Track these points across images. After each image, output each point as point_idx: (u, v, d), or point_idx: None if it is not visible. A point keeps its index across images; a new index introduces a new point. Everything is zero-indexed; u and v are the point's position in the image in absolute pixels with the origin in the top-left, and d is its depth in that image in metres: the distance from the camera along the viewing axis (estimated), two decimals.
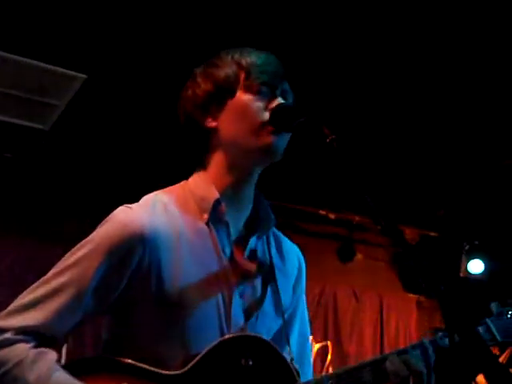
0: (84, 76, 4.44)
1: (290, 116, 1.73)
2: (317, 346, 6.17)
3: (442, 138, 5.26)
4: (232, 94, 1.78)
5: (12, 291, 1.75)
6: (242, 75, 1.79)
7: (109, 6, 3.87)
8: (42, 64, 4.32)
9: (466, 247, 6.70)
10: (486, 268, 6.65)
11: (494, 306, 1.93)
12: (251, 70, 1.78)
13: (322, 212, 6.53)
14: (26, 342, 1.62)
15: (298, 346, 1.94)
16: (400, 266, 7.04)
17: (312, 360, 2.01)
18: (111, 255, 1.66)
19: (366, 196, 1.55)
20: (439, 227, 6.87)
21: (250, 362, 1.68)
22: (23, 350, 1.61)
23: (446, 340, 1.78)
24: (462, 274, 6.69)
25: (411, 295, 7.03)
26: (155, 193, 1.82)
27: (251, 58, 1.81)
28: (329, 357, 6.28)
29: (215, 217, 1.78)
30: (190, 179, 1.87)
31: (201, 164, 1.86)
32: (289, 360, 1.77)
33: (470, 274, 6.69)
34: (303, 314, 2.00)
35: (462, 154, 5.49)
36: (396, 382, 1.69)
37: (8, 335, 1.62)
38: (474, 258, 6.69)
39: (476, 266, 6.67)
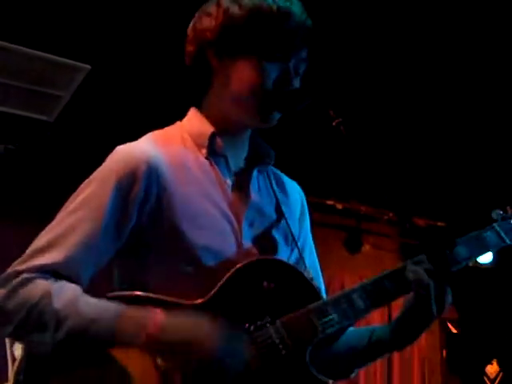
0: (88, 67, 4.42)
1: (296, 99, 1.70)
2: None
3: (450, 126, 5.23)
4: (247, 49, 1.71)
5: None
6: (264, 29, 1.69)
7: None
8: (46, 55, 4.30)
9: None
10: (494, 257, 6.62)
11: (495, 214, 1.93)
12: (276, 26, 1.69)
13: (329, 202, 6.51)
14: (46, 278, 1.56)
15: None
16: (408, 257, 7.02)
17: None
18: (119, 186, 1.63)
19: (374, 182, 1.53)
20: (447, 217, 6.84)
21: (272, 285, 1.66)
22: (45, 284, 1.55)
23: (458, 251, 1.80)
24: (470, 264, 6.66)
25: None
26: (150, 133, 1.80)
27: (280, 10, 1.69)
28: None
29: (213, 150, 1.77)
30: (184, 119, 1.85)
31: (196, 104, 1.83)
32: (309, 279, 1.75)
33: (479, 263, 6.66)
34: (312, 250, 1.98)
35: (470, 143, 5.46)
36: (418, 289, 1.66)
37: (26, 275, 1.56)
38: None
39: (485, 256, 6.64)
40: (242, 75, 1.72)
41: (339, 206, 6.56)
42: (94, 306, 1.55)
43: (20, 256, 1.64)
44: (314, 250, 2.00)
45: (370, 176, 1.56)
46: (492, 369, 6.40)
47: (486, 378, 6.39)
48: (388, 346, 1.77)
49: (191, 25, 1.81)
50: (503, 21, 4.02)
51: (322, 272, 2.02)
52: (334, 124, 1.60)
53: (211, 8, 1.76)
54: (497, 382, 6.38)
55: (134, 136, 1.76)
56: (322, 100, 1.65)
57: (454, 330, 6.31)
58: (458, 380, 6.65)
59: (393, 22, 4.09)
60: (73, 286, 1.57)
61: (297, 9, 1.73)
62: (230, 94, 1.74)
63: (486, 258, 6.64)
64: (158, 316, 1.54)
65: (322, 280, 1.96)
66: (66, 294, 1.54)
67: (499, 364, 6.31)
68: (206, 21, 1.76)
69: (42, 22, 4.04)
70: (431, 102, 4.93)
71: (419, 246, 1.60)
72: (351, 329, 1.84)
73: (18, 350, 3.02)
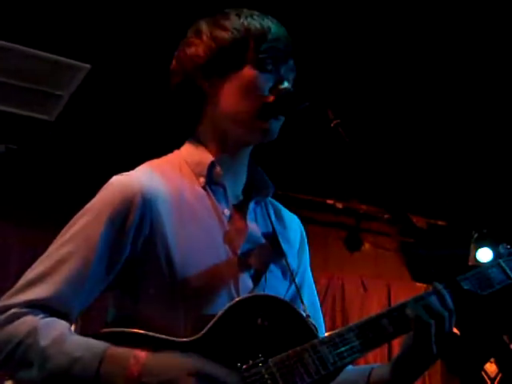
0: (88, 66, 4.42)
1: (293, 101, 1.70)
2: None
3: (450, 125, 5.23)
4: (237, 65, 1.72)
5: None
6: (251, 45, 1.72)
7: None
8: (46, 54, 4.31)
9: (475, 236, 6.67)
10: (494, 256, 6.61)
11: (502, 248, 1.92)
12: (261, 41, 1.72)
13: (329, 201, 6.51)
14: (35, 314, 1.54)
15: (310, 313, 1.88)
16: (408, 255, 7.03)
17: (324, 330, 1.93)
18: (114, 218, 1.61)
19: (373, 183, 1.53)
20: (447, 216, 6.84)
21: (266, 322, 1.63)
22: (33, 320, 1.53)
23: (464, 284, 1.77)
24: (470, 263, 6.67)
25: (419, 284, 7.02)
26: (148, 162, 1.79)
27: (262, 27, 1.73)
28: None
29: (212, 180, 1.76)
30: (182, 148, 1.84)
31: (192, 134, 1.83)
32: (305, 317, 1.71)
33: (479, 262, 6.65)
34: (310, 285, 1.95)
35: (470, 141, 5.46)
36: (418, 328, 1.62)
37: (14, 310, 1.54)
38: (482, 247, 6.66)
39: (485, 255, 6.64)
40: (236, 90, 1.72)
41: (339, 205, 6.56)
42: (78, 344, 1.52)
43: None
44: (313, 285, 1.96)
45: (370, 176, 1.56)
46: (492, 367, 6.41)
47: (486, 377, 6.39)
48: None
49: (175, 57, 1.83)
50: (503, 21, 4.02)
51: (322, 271, 2.01)
52: (332, 125, 1.59)
53: (192, 38, 1.79)
54: (497, 381, 6.38)
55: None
56: (321, 101, 1.65)
57: (456, 331, 6.30)
58: (457, 380, 6.65)
59: (390, 23, 4.09)
60: (61, 323, 1.56)
61: (274, 24, 1.77)
62: (227, 113, 1.74)
63: (486, 257, 6.64)
64: (141, 357, 1.50)
65: (320, 315, 1.92)
66: (52, 331, 1.52)
67: (497, 364, 6.29)
68: (190, 49, 1.78)
69: (43, 21, 4.04)
70: (431, 100, 4.93)
71: (417, 245, 1.59)
72: (349, 367, 1.77)
73: None
